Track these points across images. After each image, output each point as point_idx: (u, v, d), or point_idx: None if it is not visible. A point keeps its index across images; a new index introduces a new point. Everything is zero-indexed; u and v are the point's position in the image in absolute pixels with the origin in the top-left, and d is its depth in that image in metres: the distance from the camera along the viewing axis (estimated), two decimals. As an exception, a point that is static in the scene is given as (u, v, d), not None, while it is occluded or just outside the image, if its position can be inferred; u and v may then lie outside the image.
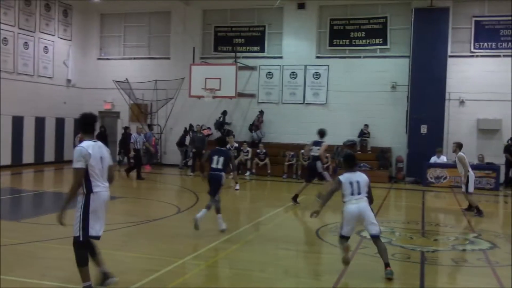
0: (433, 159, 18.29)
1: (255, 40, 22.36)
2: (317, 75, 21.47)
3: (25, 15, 21.16)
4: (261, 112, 21.43)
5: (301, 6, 21.57)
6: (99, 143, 5.68)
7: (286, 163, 19.70)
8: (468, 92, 19.58)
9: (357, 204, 6.77)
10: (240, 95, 20.91)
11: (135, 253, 7.78)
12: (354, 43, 21.22)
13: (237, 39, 22.58)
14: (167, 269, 6.85)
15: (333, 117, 20.63)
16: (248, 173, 19.88)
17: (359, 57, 21.08)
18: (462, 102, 19.68)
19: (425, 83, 19.20)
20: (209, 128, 21.63)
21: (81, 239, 5.47)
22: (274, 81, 21.98)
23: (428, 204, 14.82)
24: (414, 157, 19.07)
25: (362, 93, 20.65)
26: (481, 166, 18.07)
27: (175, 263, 7.17)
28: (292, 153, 19.81)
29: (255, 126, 21.32)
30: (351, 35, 21.24)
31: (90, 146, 5.49)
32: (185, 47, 22.49)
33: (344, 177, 6.90)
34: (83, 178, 5.41)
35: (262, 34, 22.28)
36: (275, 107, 21.81)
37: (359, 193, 6.81)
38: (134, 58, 23.84)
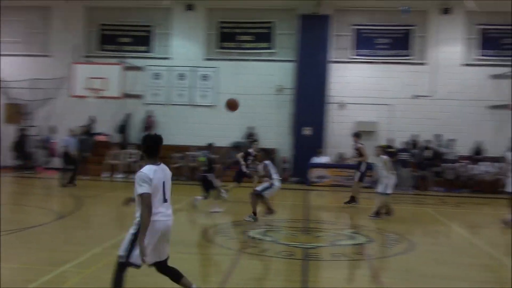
0: (315, 160, 19.17)
1: (143, 40, 21.89)
2: (205, 77, 21.53)
3: None
4: (150, 114, 20.99)
5: (190, 7, 21.49)
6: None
7: (173, 166, 19.47)
8: (348, 96, 20.73)
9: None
10: (126, 95, 20.35)
11: (10, 263, 7.25)
12: (242, 46, 21.57)
13: (124, 38, 21.96)
14: (45, 279, 6.47)
15: (222, 119, 20.77)
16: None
17: (247, 60, 21.47)
18: (342, 106, 20.79)
19: (309, 87, 20.02)
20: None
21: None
22: (161, 82, 21.66)
23: (311, 202, 15.46)
24: (298, 158, 19.81)
25: (250, 95, 21.01)
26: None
27: (54, 272, 6.79)
28: (178, 155, 19.64)
29: (146, 128, 20.86)
30: (240, 38, 21.58)
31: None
32: (67, 44, 21.41)
33: None
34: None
35: (149, 34, 21.87)
36: (163, 108, 21.51)
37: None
38: (9, 55, 22.17)
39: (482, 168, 18.91)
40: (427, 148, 19.50)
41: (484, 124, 20.19)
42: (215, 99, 21.40)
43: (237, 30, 21.62)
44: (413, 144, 19.73)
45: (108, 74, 19.24)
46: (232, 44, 21.65)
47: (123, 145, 20.38)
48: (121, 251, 5.21)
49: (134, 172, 19.43)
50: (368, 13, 21.15)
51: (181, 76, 21.64)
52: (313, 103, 19.97)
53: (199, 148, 20.03)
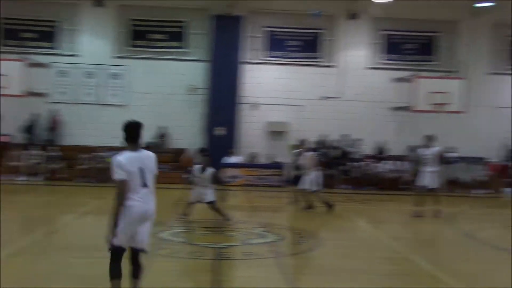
0: (227, 160, 19.25)
1: (48, 35, 20.85)
2: (115, 76, 20.92)
3: None
4: (55, 113, 20.05)
5: (99, 3, 20.76)
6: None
7: (80, 167, 18.82)
8: (260, 97, 21.02)
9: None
10: (30, 94, 19.28)
11: None
12: (154, 45, 21.20)
13: (27, 33, 20.79)
14: None
15: (133, 118, 20.23)
16: (39, 178, 18.49)
17: (160, 59, 21.12)
18: (254, 106, 21.04)
19: (221, 87, 20.07)
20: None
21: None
22: (68, 80, 20.76)
23: (223, 202, 15.46)
24: (211, 158, 19.73)
25: (163, 95, 20.75)
26: (270, 165, 19.68)
27: None
28: (85, 156, 18.94)
29: (51, 128, 19.92)
30: (152, 37, 21.19)
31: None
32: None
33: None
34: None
35: (55, 29, 20.89)
36: (70, 107, 20.62)
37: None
38: None
39: (385, 167, 19.92)
40: (335, 147, 20.24)
41: (387, 124, 21.29)
42: (126, 98, 20.86)
43: (149, 29, 21.23)
44: (322, 143, 20.39)
45: (10, 70, 18.12)
46: (144, 43, 21.22)
47: (27, 146, 19.32)
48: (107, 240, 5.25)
49: (37, 174, 18.60)
50: (280, 15, 21.58)
51: (89, 74, 20.86)
52: (225, 103, 20.05)
53: (109, 149, 19.52)
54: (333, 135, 20.65)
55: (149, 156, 5.40)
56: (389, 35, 21.80)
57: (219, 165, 18.92)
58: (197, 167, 11.29)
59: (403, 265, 8.09)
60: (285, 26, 21.57)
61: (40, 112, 20.28)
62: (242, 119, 20.75)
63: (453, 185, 18.72)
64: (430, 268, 7.71)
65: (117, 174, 5.14)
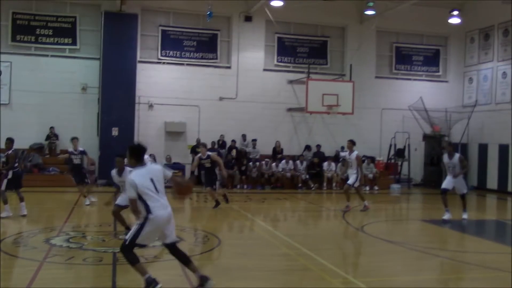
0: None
1: None
2: (-3, 72, 19.42)
3: None
4: None
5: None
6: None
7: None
8: (157, 97, 20.62)
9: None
10: None
11: None
12: (40, 41, 19.98)
13: None
14: None
15: (17, 118, 18.95)
16: None
17: (47, 55, 19.96)
18: (151, 106, 20.60)
19: (116, 86, 19.40)
20: None
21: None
22: None
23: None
24: (106, 160, 19.07)
25: (51, 93, 19.60)
26: (169, 166, 19.32)
27: None
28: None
29: None
30: (38, 32, 19.95)
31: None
32: None
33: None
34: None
35: None
36: None
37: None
38: None
39: (282, 166, 20.44)
40: (232, 147, 20.41)
41: (282, 125, 21.87)
42: (8, 96, 19.43)
43: (35, 23, 19.95)
44: (220, 143, 20.47)
45: None
46: (28, 38, 19.91)
47: None
48: (127, 236, 6.13)
49: None
50: (176, 15, 21.33)
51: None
52: (120, 103, 19.40)
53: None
54: (230, 135, 20.81)
55: (155, 166, 6.37)
56: (283, 38, 22.40)
57: (113, 166, 18.31)
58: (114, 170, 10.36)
59: (298, 260, 8.32)
60: (181, 25, 21.36)
61: None
62: (139, 119, 20.22)
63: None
64: (326, 263, 8.00)
65: (131, 193, 5.97)
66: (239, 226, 12.24)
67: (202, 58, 21.49)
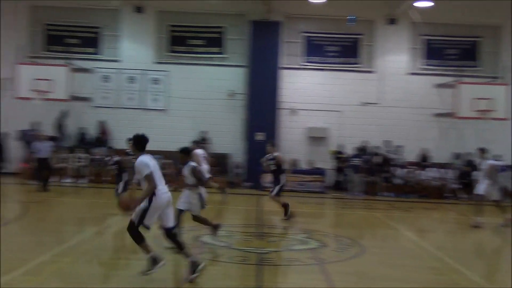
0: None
1: (91, 41, 21.27)
2: (155, 81, 21.22)
3: None
4: (103, 121, 20.27)
5: (139, 9, 21.10)
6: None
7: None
8: (299, 102, 20.91)
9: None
10: (74, 98, 19.73)
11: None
12: (193, 51, 21.40)
13: (71, 39, 21.31)
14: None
15: (173, 123, 20.54)
16: (84, 180, 18.92)
17: (198, 64, 21.30)
18: (293, 112, 20.95)
19: (260, 92, 20.06)
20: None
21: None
22: (111, 85, 21.18)
23: (264, 207, 15.45)
24: (252, 163, 19.81)
25: (202, 100, 20.88)
26: (310, 171, 19.56)
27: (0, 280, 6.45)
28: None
29: (100, 135, 20.19)
30: (190, 43, 21.40)
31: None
32: (11, 44, 20.55)
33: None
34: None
35: (98, 35, 21.33)
36: (112, 111, 21.00)
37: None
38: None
39: (429, 174, 19.49)
40: (376, 154, 19.90)
41: (429, 131, 20.85)
42: (166, 103, 21.14)
43: (188, 34, 21.42)
44: (363, 150, 20.11)
45: (54, 75, 18.60)
46: (183, 48, 21.43)
47: (73, 149, 19.73)
48: (133, 216, 6.72)
49: (83, 177, 19.01)
50: (318, 20, 21.44)
51: (131, 79, 21.22)
52: (265, 108, 20.01)
53: (151, 152, 19.70)
54: (374, 141, 20.31)
55: (155, 158, 7.01)
56: (429, 40, 21.36)
57: (259, 170, 18.93)
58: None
59: (446, 275, 7.87)
60: (323, 31, 21.41)
61: (81, 115, 20.69)
62: (281, 125, 20.68)
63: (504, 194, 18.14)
64: (478, 280, 7.47)
65: (147, 170, 6.62)
66: (382, 235, 11.92)
67: (344, 63, 21.34)
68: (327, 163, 20.33)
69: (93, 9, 21.19)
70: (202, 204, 8.91)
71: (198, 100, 20.89)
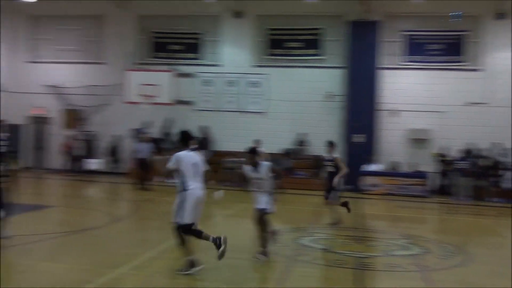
0: (368, 167, 18.84)
1: (193, 47, 22.19)
2: (255, 84, 21.63)
3: None
4: (205, 126, 20.78)
5: (238, 15, 21.66)
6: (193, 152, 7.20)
7: (223, 172, 19.55)
8: (399, 103, 20.30)
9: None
10: (177, 102, 20.65)
11: (67, 264, 7.46)
12: (291, 53, 21.55)
13: (174, 45, 22.35)
14: (102, 280, 6.61)
15: (272, 125, 20.83)
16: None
17: (296, 67, 21.41)
18: (393, 113, 20.37)
19: (359, 93, 19.76)
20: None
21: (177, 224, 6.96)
22: (211, 89, 21.92)
23: (362, 211, 15.19)
24: (350, 165, 19.46)
25: (300, 102, 20.98)
26: (412, 174, 18.88)
27: (110, 274, 6.93)
28: (230, 159, 19.52)
29: (203, 139, 20.83)
30: (288, 45, 21.57)
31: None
32: (120, 52, 22.02)
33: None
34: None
35: (199, 41, 22.17)
36: (213, 114, 21.72)
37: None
38: (67, 62, 22.97)
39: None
40: (483, 156, 18.74)
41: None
42: (265, 106, 21.48)
43: (286, 37, 21.61)
44: (469, 152, 19.06)
45: (160, 80, 19.68)
46: (281, 51, 21.65)
47: (168, 149, 20.61)
48: (173, 218, 6.99)
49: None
50: (419, 18, 20.67)
51: (231, 83, 21.83)
52: (363, 109, 19.69)
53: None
54: (481, 143, 19.16)
55: (199, 155, 7.23)
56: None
57: (358, 173, 18.65)
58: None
59: None
60: (425, 29, 20.61)
61: (183, 119, 21.56)
62: (381, 126, 20.19)
63: None
64: None
65: (171, 163, 6.98)
66: (491, 243, 11.24)
67: (447, 61, 20.37)
68: (429, 166, 19.53)
69: (195, 16, 22.04)
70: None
71: (296, 103, 21.01)
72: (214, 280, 7.00)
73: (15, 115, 22.56)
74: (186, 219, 6.88)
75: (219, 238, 6.94)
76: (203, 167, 7.21)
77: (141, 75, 20.11)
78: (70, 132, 22.17)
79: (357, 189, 18.45)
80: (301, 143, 20.70)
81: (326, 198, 11.54)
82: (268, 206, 8.02)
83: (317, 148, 20.42)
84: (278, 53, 21.64)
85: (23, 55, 23.52)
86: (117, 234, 9.73)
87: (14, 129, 22.59)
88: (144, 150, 17.45)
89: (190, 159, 7.04)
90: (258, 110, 21.52)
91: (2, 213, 8.61)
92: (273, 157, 18.14)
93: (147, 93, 19.16)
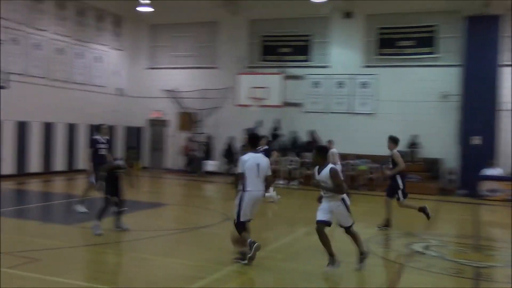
0: (486, 171, 17.67)
1: (302, 49, 22.32)
2: (364, 85, 21.24)
3: (79, 26, 21.89)
4: (313, 131, 20.76)
5: (348, 15, 21.40)
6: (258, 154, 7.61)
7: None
8: (523, 102, 18.86)
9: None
10: (286, 104, 20.87)
11: (182, 259, 7.85)
12: (402, 52, 20.87)
13: (284, 48, 22.62)
14: (214, 277, 6.88)
15: (381, 126, 20.26)
16: (295, 182, 19.90)
17: (408, 66, 20.69)
18: (515, 112, 18.96)
19: (477, 92, 18.64)
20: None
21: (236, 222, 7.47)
22: (320, 90, 21.87)
23: (481, 218, 14.32)
24: (467, 169, 18.49)
25: (411, 102, 20.25)
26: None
27: (222, 271, 7.18)
28: (345, 162, 19.25)
29: (311, 142, 20.91)
30: (400, 44, 20.91)
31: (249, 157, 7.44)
32: (232, 56, 22.76)
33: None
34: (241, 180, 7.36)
35: (308, 43, 22.23)
36: (322, 116, 21.65)
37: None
38: (182, 68, 24.23)
39: None
40: None
41: None
42: (374, 107, 21.02)
43: (397, 36, 20.96)
44: None
45: (269, 83, 20.04)
46: (391, 50, 21.05)
47: (286, 152, 20.90)
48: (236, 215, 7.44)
49: (294, 178, 20.00)
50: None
51: (340, 84, 21.61)
52: (482, 110, 18.51)
53: (358, 156, 19.86)
54: None
55: (264, 157, 7.59)
56: None
57: (476, 177, 17.57)
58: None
59: None
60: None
61: (293, 121, 21.75)
62: (501, 127, 18.88)
63: None
64: None
65: (238, 169, 7.41)
66: None
67: None
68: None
69: (304, 18, 22.14)
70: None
71: (407, 103, 20.30)
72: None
73: (136, 119, 24.29)
74: (241, 217, 7.35)
75: (253, 243, 7.21)
76: (265, 170, 7.43)
77: (251, 78, 20.66)
78: (186, 134, 23.35)
79: (475, 195, 17.40)
80: (413, 145, 19.95)
81: (398, 199, 10.83)
82: (328, 216, 7.14)
83: (430, 150, 19.67)
84: (388, 52, 21.09)
85: (143, 62, 25.18)
86: (229, 232, 10.04)
87: (134, 131, 24.35)
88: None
89: (253, 160, 7.34)
90: (367, 111, 21.11)
91: (124, 208, 9.35)
92: (382, 160, 17.82)
93: (257, 95, 19.59)
